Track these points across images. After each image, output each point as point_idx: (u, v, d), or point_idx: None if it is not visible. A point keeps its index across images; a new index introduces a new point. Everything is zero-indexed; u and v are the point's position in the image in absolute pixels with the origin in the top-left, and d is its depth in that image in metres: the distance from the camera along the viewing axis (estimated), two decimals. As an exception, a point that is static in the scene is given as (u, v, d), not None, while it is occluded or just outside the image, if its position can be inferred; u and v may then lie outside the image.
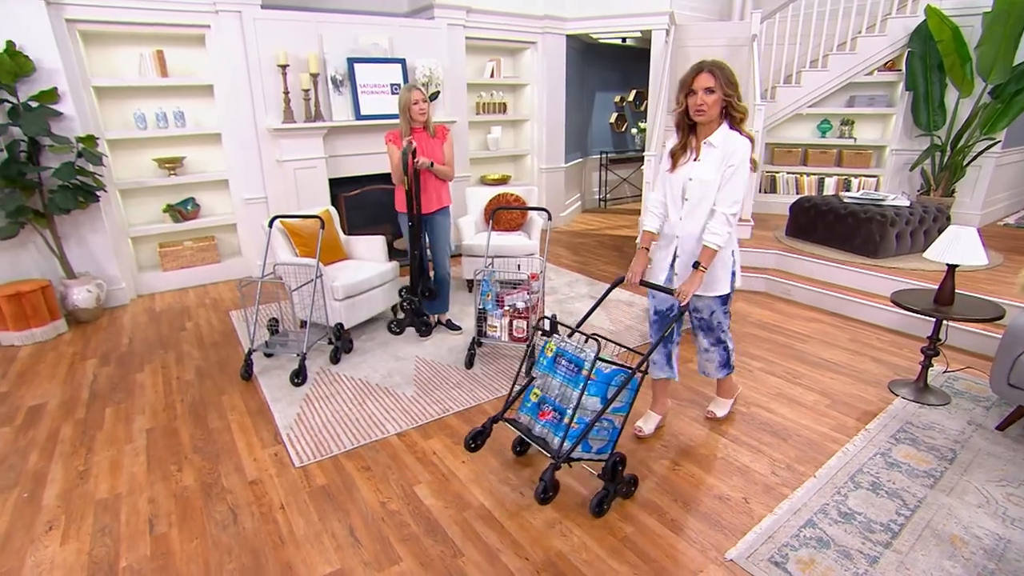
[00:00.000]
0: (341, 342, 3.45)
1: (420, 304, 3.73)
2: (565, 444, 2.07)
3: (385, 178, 5.19)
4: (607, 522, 2.13)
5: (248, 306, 3.90)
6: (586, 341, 2.22)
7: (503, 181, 6.24)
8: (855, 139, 6.19)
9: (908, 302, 2.99)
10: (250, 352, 3.27)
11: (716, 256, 2.26)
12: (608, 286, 2.46)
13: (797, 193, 6.32)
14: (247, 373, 3.25)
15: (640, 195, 8.07)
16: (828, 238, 4.72)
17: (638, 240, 2.53)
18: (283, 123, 4.69)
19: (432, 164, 3.46)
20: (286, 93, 4.68)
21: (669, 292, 2.30)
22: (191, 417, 2.90)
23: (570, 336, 2.31)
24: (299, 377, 3.14)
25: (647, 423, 2.67)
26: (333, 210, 4.17)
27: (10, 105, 3.83)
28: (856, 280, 4.25)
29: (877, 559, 1.93)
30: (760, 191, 6.35)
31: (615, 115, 8.32)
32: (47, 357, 3.67)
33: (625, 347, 2.45)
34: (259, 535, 2.09)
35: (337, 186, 5.11)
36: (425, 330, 3.75)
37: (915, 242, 4.48)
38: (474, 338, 3.39)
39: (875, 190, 5.97)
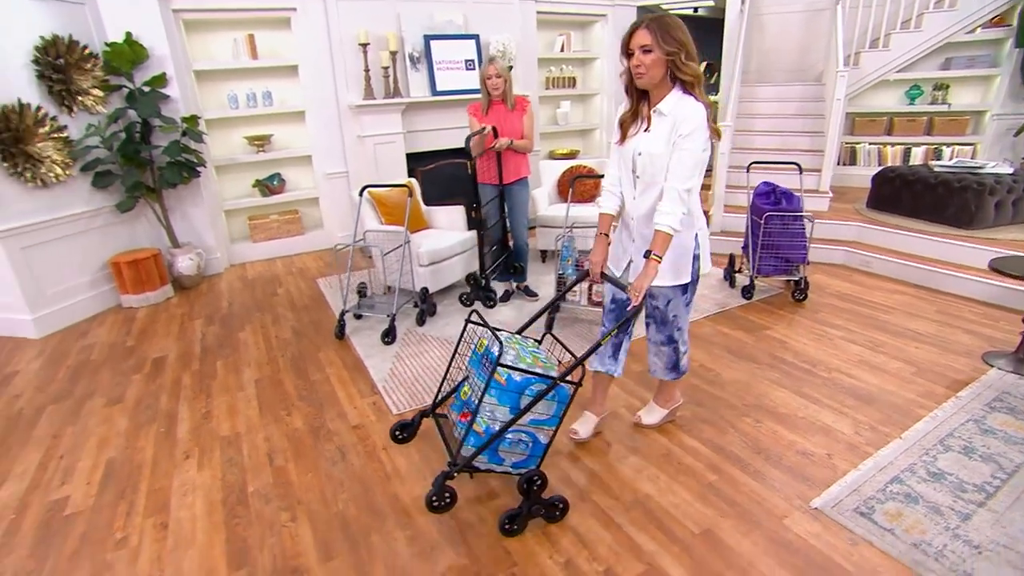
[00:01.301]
0: (426, 305, 3.64)
1: (485, 280, 3.82)
2: (464, 450, 1.88)
3: (460, 152, 5.34)
4: (692, 470, 2.21)
5: (340, 272, 4.15)
6: (539, 342, 2.15)
7: (572, 155, 6.27)
8: (949, 105, 5.84)
9: (1011, 269, 2.87)
10: (343, 313, 3.51)
11: (672, 241, 1.92)
12: (573, 279, 2.37)
13: (880, 164, 6.04)
14: (340, 332, 3.49)
15: (709, 169, 7.89)
16: (915, 209, 4.52)
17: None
18: (364, 100, 4.90)
19: (511, 142, 3.57)
20: (366, 71, 4.88)
21: (622, 287, 2.00)
22: (293, 370, 3.16)
23: (519, 333, 2.17)
24: (389, 336, 3.35)
25: (583, 425, 2.39)
26: (414, 182, 4.35)
27: (127, 90, 4.21)
28: (946, 252, 4.08)
29: (970, 516, 1.93)
30: (839, 163, 6.11)
31: (684, 88, 8.13)
32: (160, 317, 4.06)
33: (571, 352, 2.13)
34: (366, 471, 2.30)
35: (414, 160, 5.30)
36: (491, 304, 3.87)
37: (1018, 212, 4.23)
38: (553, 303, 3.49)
39: (971, 158, 5.63)
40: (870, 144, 6.13)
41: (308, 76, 4.98)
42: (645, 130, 1.97)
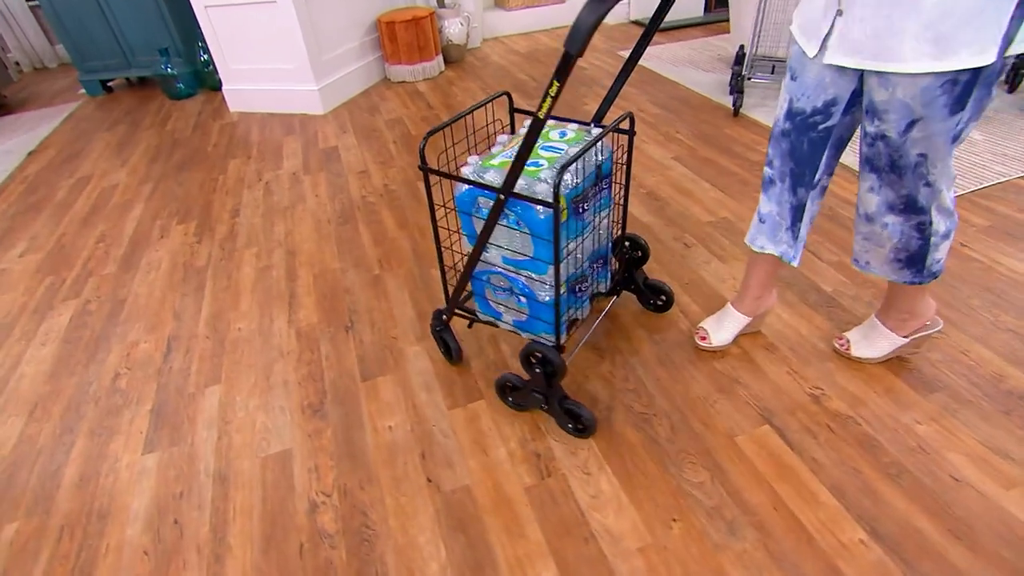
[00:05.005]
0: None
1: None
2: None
3: None
4: None
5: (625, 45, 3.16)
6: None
7: None
8: None
9: None
10: (741, 81, 2.57)
11: None
12: None
13: None
14: (737, 107, 2.60)
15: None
16: None
17: None
18: None
19: None
20: None
21: None
22: (712, 147, 2.37)
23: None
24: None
25: (719, 325, 1.46)
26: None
27: None
28: None
29: None
30: None
31: None
32: (452, 90, 3.29)
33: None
34: (1009, 275, 1.55)
35: None
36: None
37: None
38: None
39: None
40: None
41: None
42: None
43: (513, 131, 1.38)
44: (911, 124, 0.98)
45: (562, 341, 1.24)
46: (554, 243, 1.06)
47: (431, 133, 1.17)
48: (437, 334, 1.47)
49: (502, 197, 1.06)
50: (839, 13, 0.99)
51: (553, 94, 0.90)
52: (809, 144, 1.15)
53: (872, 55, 0.96)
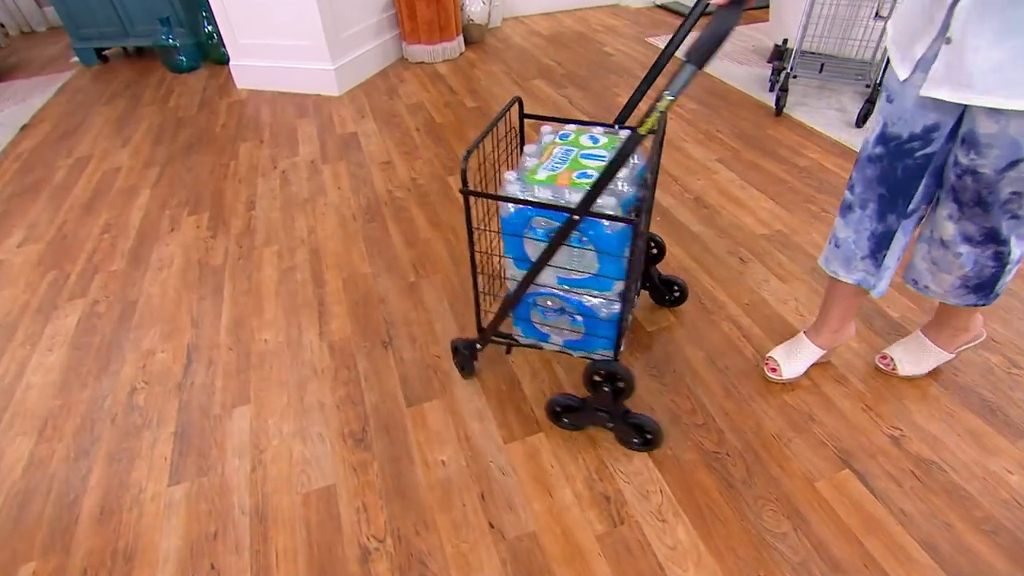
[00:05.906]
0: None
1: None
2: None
3: None
4: None
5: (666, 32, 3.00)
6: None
7: None
8: None
9: None
10: (785, 77, 2.45)
11: None
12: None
13: None
14: (780, 106, 2.48)
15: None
16: None
17: None
18: None
19: None
20: None
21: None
22: (755, 149, 2.25)
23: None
24: (865, 120, 2.33)
25: (789, 356, 1.36)
26: None
27: None
28: None
29: None
30: None
31: None
32: (474, 74, 3.12)
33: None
34: None
35: None
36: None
37: None
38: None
39: None
40: None
41: None
42: None
43: (522, 140, 1.28)
44: (1014, 163, 0.89)
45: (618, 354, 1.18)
46: (631, 258, 1.02)
47: (470, 152, 1.01)
48: (459, 364, 1.40)
49: (576, 217, 0.98)
50: (947, 41, 0.87)
51: (663, 108, 0.86)
52: (904, 171, 1.04)
53: (987, 90, 0.85)
